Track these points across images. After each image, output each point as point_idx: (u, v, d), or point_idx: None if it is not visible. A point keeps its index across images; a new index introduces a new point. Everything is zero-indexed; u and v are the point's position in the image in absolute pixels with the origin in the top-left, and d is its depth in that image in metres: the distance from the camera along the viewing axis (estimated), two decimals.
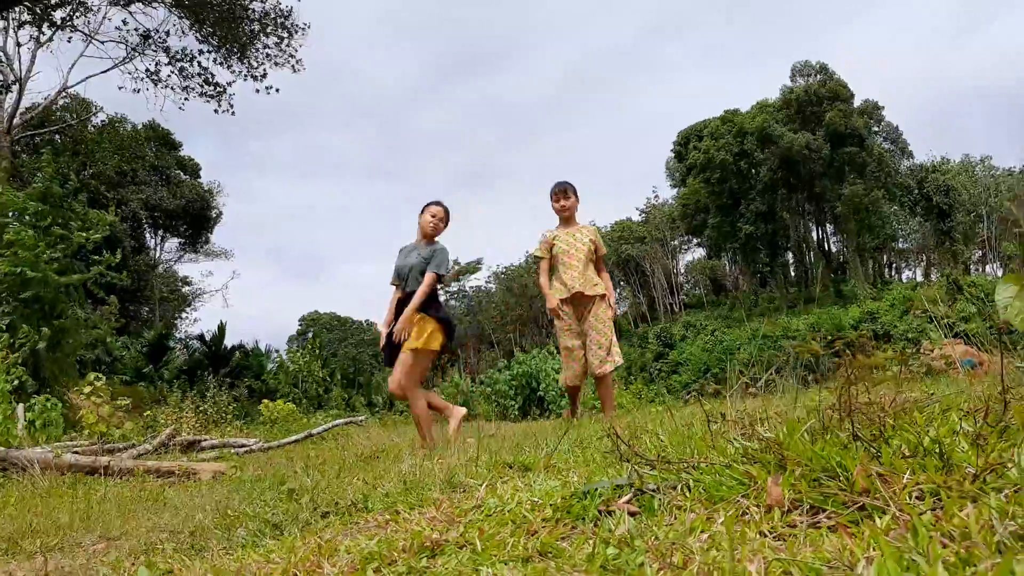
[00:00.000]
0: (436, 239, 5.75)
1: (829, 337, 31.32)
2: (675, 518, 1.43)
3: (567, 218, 6.30)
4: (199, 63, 21.04)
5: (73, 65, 27.83)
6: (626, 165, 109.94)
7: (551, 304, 6.18)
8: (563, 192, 6.25)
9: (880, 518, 1.21)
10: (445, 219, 5.75)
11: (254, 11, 20.27)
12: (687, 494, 1.55)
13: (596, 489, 1.70)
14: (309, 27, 21.08)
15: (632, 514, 1.49)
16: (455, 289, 61.76)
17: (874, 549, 1.06)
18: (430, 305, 5.50)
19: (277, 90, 21.37)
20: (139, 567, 1.80)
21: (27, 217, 10.95)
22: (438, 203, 5.78)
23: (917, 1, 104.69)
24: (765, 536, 1.26)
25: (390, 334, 5.40)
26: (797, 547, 1.17)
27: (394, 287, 5.77)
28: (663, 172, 67.33)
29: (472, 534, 1.50)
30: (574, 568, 1.19)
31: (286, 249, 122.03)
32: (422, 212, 5.75)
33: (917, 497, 1.29)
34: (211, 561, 1.78)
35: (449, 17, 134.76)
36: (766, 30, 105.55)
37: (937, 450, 1.45)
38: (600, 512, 1.54)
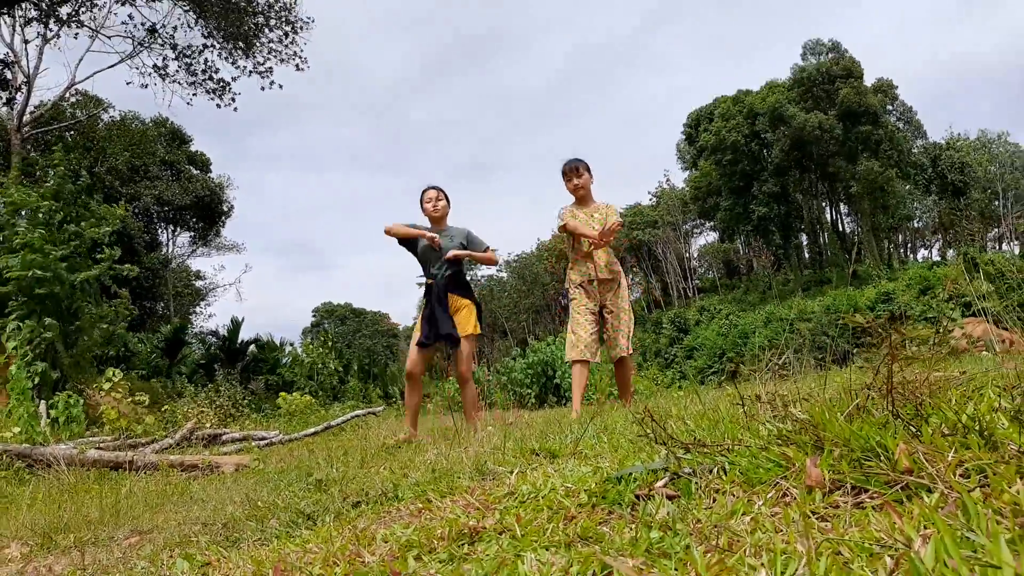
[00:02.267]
0: (447, 221, 5.81)
1: (845, 318, 31.13)
2: (714, 501, 1.43)
3: (582, 197, 5.96)
4: (205, 59, 21.08)
5: (80, 61, 28.07)
6: (636, 151, 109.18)
7: (592, 232, 5.67)
8: (574, 170, 5.89)
9: (928, 496, 1.19)
10: (444, 198, 5.81)
11: (257, 3, 20.25)
12: (723, 477, 1.54)
13: (630, 474, 1.69)
14: (313, 21, 21.04)
15: (670, 498, 1.48)
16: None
17: (926, 527, 1.05)
18: (469, 288, 5.71)
19: (280, 86, 21.36)
20: (177, 560, 1.81)
21: (40, 215, 11.01)
22: (429, 187, 5.83)
23: None
24: (808, 517, 1.25)
25: (432, 318, 5.41)
26: (843, 527, 1.16)
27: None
28: (674, 156, 67.00)
29: (510, 520, 1.50)
30: (619, 552, 1.18)
31: (291, 242, 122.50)
32: (421, 203, 5.82)
33: (962, 475, 1.28)
34: (248, 552, 1.79)
35: (447, 8, 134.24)
36: (773, 14, 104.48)
37: (977, 427, 1.43)
38: (637, 497, 1.53)
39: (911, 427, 1.49)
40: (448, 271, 5.56)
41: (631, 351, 5.84)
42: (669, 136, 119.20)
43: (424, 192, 5.82)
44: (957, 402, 1.73)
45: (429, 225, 5.80)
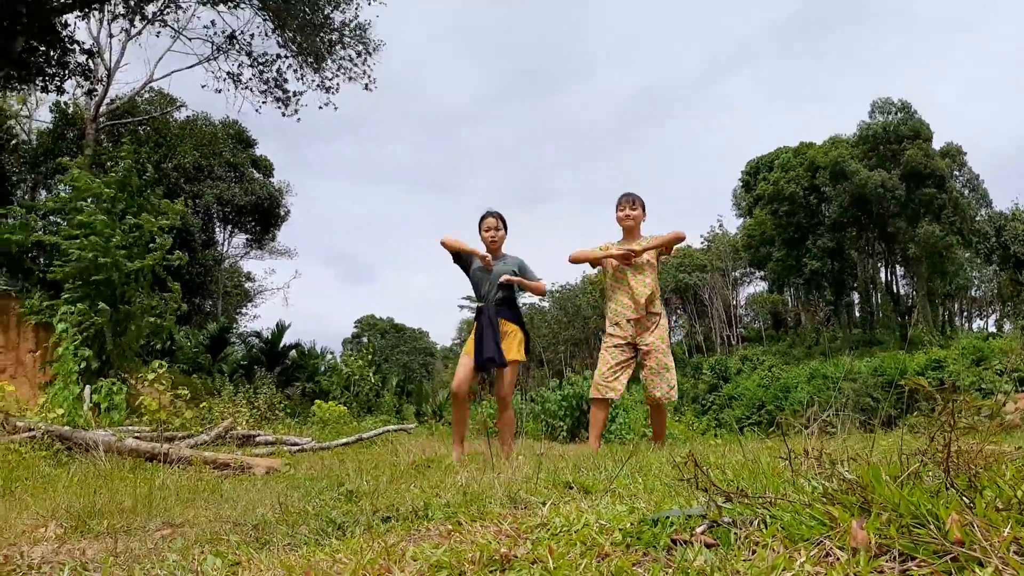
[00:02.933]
0: (503, 250, 5.82)
1: (890, 382, 30.40)
2: (754, 554, 1.39)
3: (630, 228, 5.89)
4: (277, 68, 21.64)
5: (160, 59, 28.99)
6: (690, 194, 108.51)
7: (619, 253, 5.73)
8: (631, 202, 5.86)
9: (979, 570, 1.15)
10: (501, 227, 5.78)
11: (333, 20, 20.76)
12: (764, 530, 1.51)
13: (667, 517, 1.66)
14: (385, 44, 21.48)
15: (709, 546, 1.45)
16: None
17: None
18: (519, 314, 5.72)
19: (335, 107, 21.74)
20: (208, 556, 1.82)
21: (103, 204, 11.31)
22: (489, 214, 5.78)
23: (998, 47, 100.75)
24: None
25: (480, 340, 5.43)
26: None
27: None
28: (729, 201, 66.55)
29: (542, 552, 1.48)
30: None
31: (340, 253, 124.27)
32: (479, 228, 5.80)
33: (1016, 552, 1.23)
34: (277, 556, 1.80)
35: (513, 37, 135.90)
36: (843, 69, 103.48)
37: None
38: (673, 541, 1.50)
39: (965, 498, 1.44)
40: (500, 295, 5.57)
41: (673, 397, 5.69)
42: (725, 182, 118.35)
43: (484, 219, 5.78)
44: (1013, 477, 1.67)
45: (485, 249, 5.80)
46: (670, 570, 1.29)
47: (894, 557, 1.28)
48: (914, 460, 1.67)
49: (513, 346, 5.53)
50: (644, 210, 5.94)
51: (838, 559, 1.31)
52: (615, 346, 5.76)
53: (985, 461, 1.78)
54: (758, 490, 1.86)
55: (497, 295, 5.57)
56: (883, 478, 1.59)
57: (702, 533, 1.51)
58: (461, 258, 5.79)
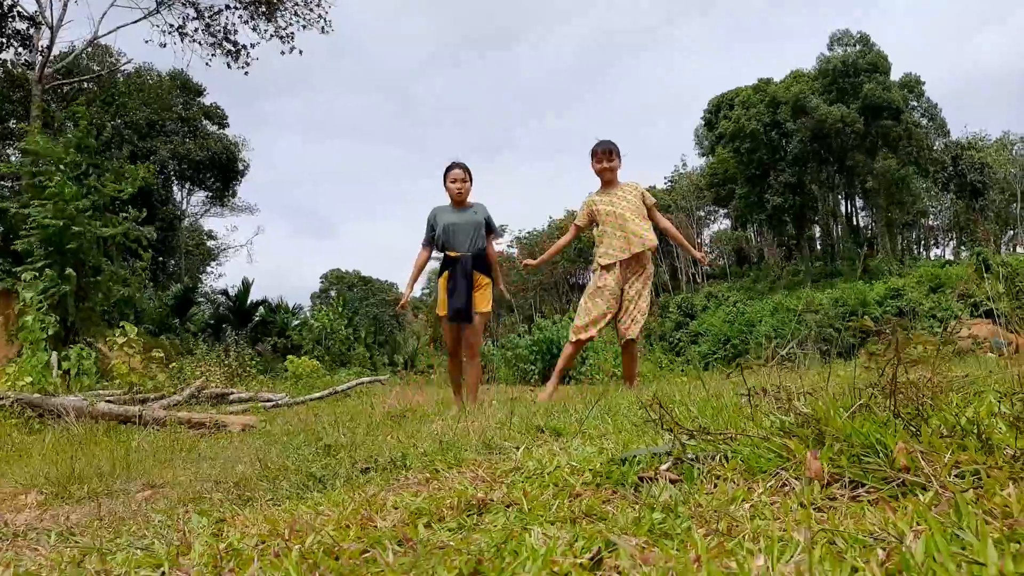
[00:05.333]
0: (469, 200, 5.83)
1: (851, 312, 31.11)
2: (716, 487, 1.48)
3: (608, 180, 5.92)
4: (225, 19, 21.01)
5: (104, 15, 27.92)
6: (653, 136, 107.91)
7: (532, 263, 6.63)
8: (607, 153, 5.84)
9: (922, 495, 1.24)
10: (468, 178, 5.80)
11: None
12: (726, 464, 1.59)
13: (635, 456, 1.74)
14: None
15: (673, 482, 1.53)
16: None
17: (919, 523, 1.10)
18: (491, 267, 5.80)
19: (300, 52, 21.25)
20: (193, 515, 1.87)
21: (62, 167, 11.04)
22: (455, 165, 5.78)
23: None
24: (806, 507, 1.30)
25: (453, 292, 5.49)
26: (839, 519, 1.21)
27: (424, 247, 5.87)
28: (692, 141, 66.60)
29: (516, 494, 1.56)
30: (622, 531, 1.23)
31: (298, 208, 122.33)
32: (445, 179, 5.79)
33: (958, 476, 1.32)
34: (261, 512, 1.85)
35: None
36: (800, 4, 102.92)
37: (975, 431, 1.48)
38: (641, 479, 1.59)
39: (911, 427, 1.54)
40: (474, 249, 5.63)
41: (639, 336, 5.83)
42: (687, 123, 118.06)
43: (449, 170, 5.76)
44: (957, 405, 1.77)
45: (449, 200, 5.79)
46: (637, 506, 1.37)
47: (845, 485, 1.37)
48: (866, 393, 1.76)
49: (485, 299, 5.64)
50: (620, 157, 5.94)
51: (793, 489, 1.40)
52: (600, 297, 5.79)
53: (932, 390, 1.89)
54: (720, 427, 1.95)
55: (472, 244, 5.62)
56: (836, 411, 1.68)
57: (667, 470, 1.60)
58: (432, 227, 5.79)
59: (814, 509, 1.29)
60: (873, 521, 1.16)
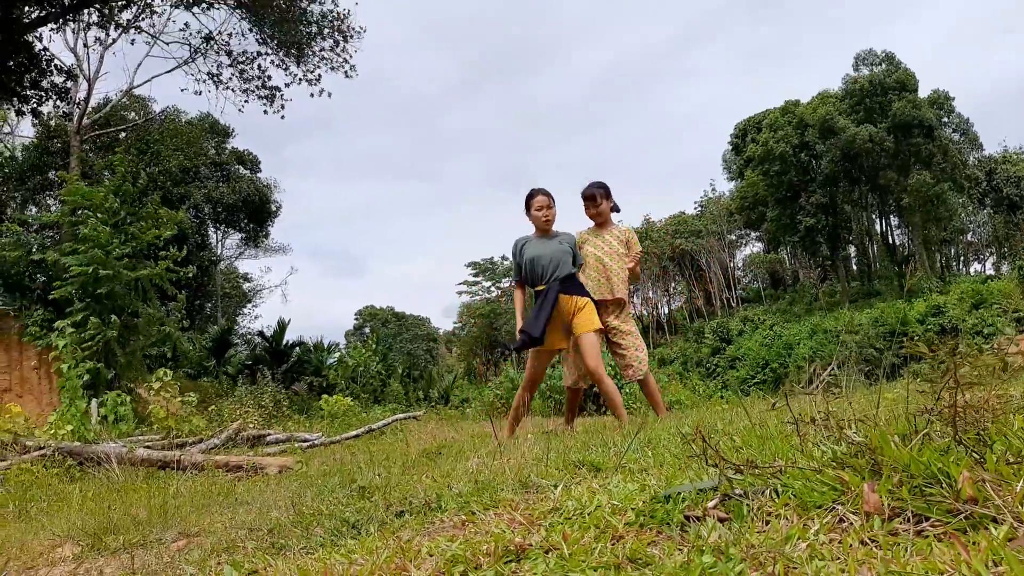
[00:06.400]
0: (554, 228, 5.63)
1: (892, 332, 30.48)
2: (768, 525, 1.39)
3: (600, 224, 5.81)
4: (259, 65, 21.44)
5: (139, 66, 28.72)
6: (680, 161, 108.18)
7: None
8: (592, 199, 5.72)
9: (995, 528, 1.15)
10: (553, 205, 5.57)
11: (312, 12, 20.56)
12: (776, 500, 1.51)
13: (679, 493, 1.66)
14: (365, 31, 21.27)
15: (722, 520, 1.45)
16: (507, 285, 61.84)
17: (995, 562, 1.01)
18: (584, 287, 5.58)
19: (330, 94, 21.57)
20: (224, 566, 1.82)
21: (100, 215, 11.27)
22: (538, 192, 5.55)
23: None
24: (867, 545, 1.21)
25: (530, 319, 5.29)
26: (905, 557, 1.12)
27: (517, 286, 5.71)
28: (720, 166, 66.38)
29: (556, 538, 1.48)
30: None
31: (328, 248, 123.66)
32: (528, 207, 5.57)
33: None
34: (294, 561, 1.80)
35: (483, 21, 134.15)
36: (823, 26, 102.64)
37: None
38: (686, 517, 1.50)
39: (975, 454, 1.44)
40: (562, 274, 5.41)
41: (643, 369, 5.61)
42: (715, 147, 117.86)
43: (532, 197, 5.55)
44: (1021, 427, 1.66)
45: (534, 230, 5.61)
46: (685, 548, 1.29)
47: (908, 519, 1.28)
48: (921, 420, 1.66)
49: (592, 317, 5.40)
50: (608, 197, 5.79)
51: (852, 524, 1.31)
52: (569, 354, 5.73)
53: (992, 413, 1.78)
54: (767, 458, 1.85)
55: (558, 274, 5.39)
56: (892, 439, 1.59)
57: (714, 507, 1.51)
58: (519, 263, 5.61)
59: (876, 546, 1.20)
60: (943, 559, 1.08)
